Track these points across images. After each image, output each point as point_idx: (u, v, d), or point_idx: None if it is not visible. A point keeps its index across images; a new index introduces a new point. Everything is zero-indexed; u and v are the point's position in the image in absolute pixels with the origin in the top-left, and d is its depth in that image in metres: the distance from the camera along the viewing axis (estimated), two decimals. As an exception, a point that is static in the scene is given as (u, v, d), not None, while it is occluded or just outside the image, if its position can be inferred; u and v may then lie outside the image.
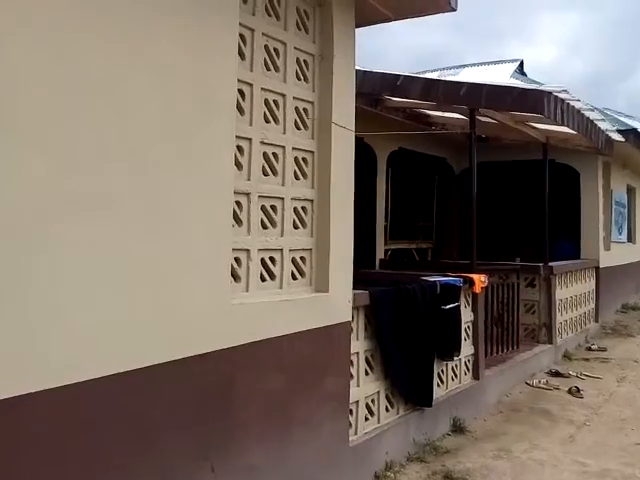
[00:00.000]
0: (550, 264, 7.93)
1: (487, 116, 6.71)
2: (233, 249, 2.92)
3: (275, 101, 3.22)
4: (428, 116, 8.34)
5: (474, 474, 4.28)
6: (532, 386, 6.61)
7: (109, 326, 2.27)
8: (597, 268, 10.24)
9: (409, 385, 4.39)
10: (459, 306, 5.13)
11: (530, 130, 7.56)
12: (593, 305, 10.10)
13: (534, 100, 5.20)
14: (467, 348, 5.50)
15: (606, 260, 10.73)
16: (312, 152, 3.47)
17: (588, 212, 10.34)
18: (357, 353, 3.92)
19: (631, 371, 7.57)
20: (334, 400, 3.57)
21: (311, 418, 3.40)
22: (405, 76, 5.67)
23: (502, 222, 11.38)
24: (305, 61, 3.43)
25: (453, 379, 5.23)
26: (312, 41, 3.48)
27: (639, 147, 10.30)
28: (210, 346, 2.68)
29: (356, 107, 7.45)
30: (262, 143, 3.13)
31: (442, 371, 5.04)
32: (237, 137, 2.95)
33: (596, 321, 10.13)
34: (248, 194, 3.05)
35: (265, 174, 3.18)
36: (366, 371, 4.03)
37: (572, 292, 8.88)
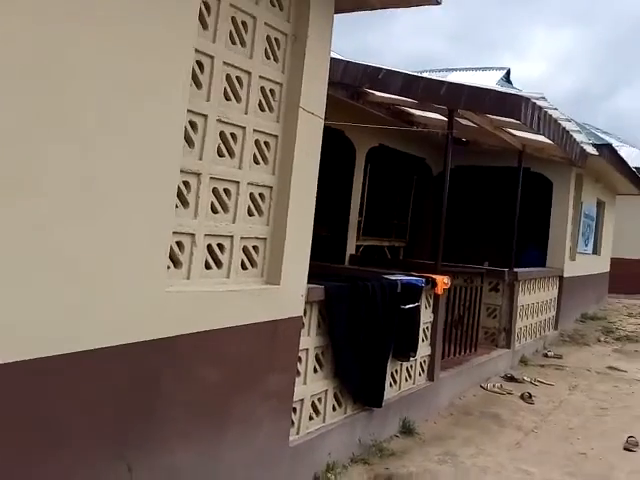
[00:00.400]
0: (515, 270, 7.74)
1: (466, 118, 6.44)
2: (175, 232, 2.61)
3: (239, 78, 2.89)
4: (410, 114, 8.05)
5: (417, 478, 4.06)
6: (486, 390, 6.43)
7: (22, 309, 1.96)
8: (561, 277, 10.12)
9: (359, 384, 4.14)
10: (419, 306, 4.88)
11: (508, 136, 7.32)
12: (554, 313, 9.98)
13: (512, 104, 4.94)
14: (424, 349, 5.26)
15: (570, 270, 10.61)
16: (276, 136, 3.16)
17: (557, 222, 10.18)
18: (306, 350, 3.64)
19: (583, 380, 7.45)
20: (276, 398, 3.30)
21: (250, 416, 3.13)
22: (387, 70, 5.37)
23: (475, 226, 11.19)
24: (276, 39, 3.10)
25: (407, 379, 5.00)
26: (286, 19, 3.15)
27: (612, 163, 10.15)
28: (136, 336, 2.37)
29: (337, 98, 7.20)
30: (219, 121, 2.81)
31: (396, 371, 4.80)
32: (190, 112, 2.64)
33: (555, 329, 10.02)
34: (199, 174, 2.74)
35: (220, 155, 2.86)
36: (315, 368, 3.76)
37: (534, 299, 8.73)
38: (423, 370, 5.29)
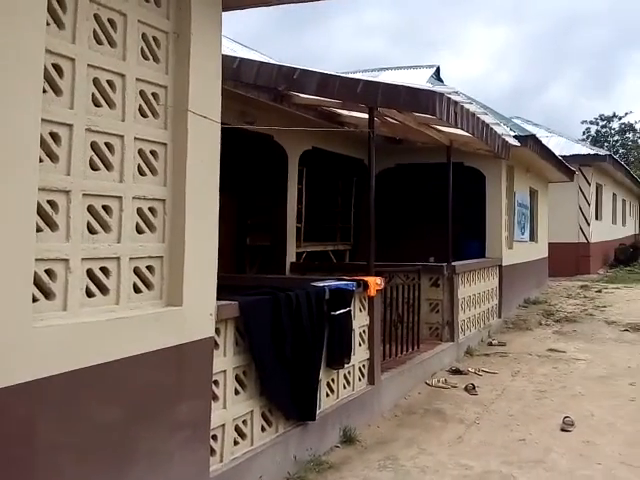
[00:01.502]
0: (453, 263, 7.54)
1: (389, 116, 6.20)
2: (40, 259, 2.20)
3: (110, 82, 2.50)
4: (339, 115, 7.76)
5: (354, 491, 3.74)
6: (431, 386, 6.17)
7: None
8: (500, 266, 10.02)
9: (290, 400, 3.78)
10: (351, 311, 4.56)
11: (434, 133, 7.12)
12: (496, 301, 9.87)
13: (426, 100, 4.70)
14: (362, 353, 4.95)
15: (509, 258, 10.55)
16: (164, 144, 2.77)
17: (492, 213, 10.10)
18: (224, 371, 3.26)
19: (525, 364, 7.31)
20: (189, 427, 2.91)
21: (158, 450, 2.73)
22: (302, 69, 5.05)
23: (419, 223, 11.01)
24: (155, 38, 2.72)
25: (345, 387, 4.67)
26: (165, 16, 2.77)
27: (538, 152, 10.15)
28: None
29: (261, 102, 6.86)
30: (90, 131, 2.41)
31: (332, 380, 4.46)
32: (49, 122, 2.23)
33: (499, 317, 9.91)
34: (67, 192, 2.33)
35: (95, 168, 2.46)
36: (236, 390, 3.38)
37: (475, 290, 8.57)
38: (363, 375, 4.97)
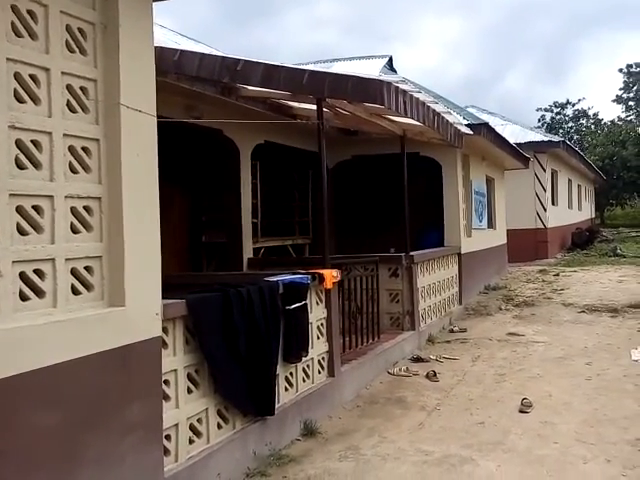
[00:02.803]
0: (411, 253, 7.63)
1: (340, 107, 6.22)
2: (-36, 264, 2.12)
3: (33, 76, 2.42)
4: (290, 107, 7.73)
5: (315, 482, 3.74)
6: (393, 375, 6.23)
7: None
8: (459, 254, 10.20)
9: (246, 396, 3.76)
10: (306, 304, 4.57)
11: (387, 123, 7.17)
12: (457, 289, 10.04)
13: (373, 90, 4.72)
14: (320, 346, 4.96)
15: (467, 246, 10.74)
16: (97, 140, 2.71)
17: (449, 202, 10.26)
18: (175, 371, 3.22)
19: (485, 349, 7.46)
20: (140, 429, 2.86)
21: (107, 454, 2.67)
22: (245, 60, 4.99)
23: (378, 214, 11.10)
24: (81, 30, 2.64)
25: (305, 380, 4.67)
26: (91, 7, 2.70)
27: (491, 140, 10.35)
28: None
29: (208, 96, 6.78)
30: (13, 128, 2.33)
31: (291, 374, 4.46)
32: (-32, 120, 2.15)
33: (460, 304, 10.09)
34: (-8, 192, 2.25)
35: (21, 167, 2.38)
36: (189, 389, 3.34)
37: (435, 278, 8.70)
38: (322, 367, 4.98)
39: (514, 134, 18.26)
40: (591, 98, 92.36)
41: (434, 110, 6.06)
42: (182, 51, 5.34)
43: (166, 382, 3.14)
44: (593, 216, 33.63)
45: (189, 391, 3.33)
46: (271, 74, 5.01)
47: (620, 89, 47.65)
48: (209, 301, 3.43)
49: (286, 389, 4.37)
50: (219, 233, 8.50)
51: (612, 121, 47.64)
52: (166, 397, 3.13)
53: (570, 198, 24.39)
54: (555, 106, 51.35)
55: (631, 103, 47.48)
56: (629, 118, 46.95)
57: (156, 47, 5.52)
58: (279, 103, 7.60)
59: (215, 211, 8.72)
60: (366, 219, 11.18)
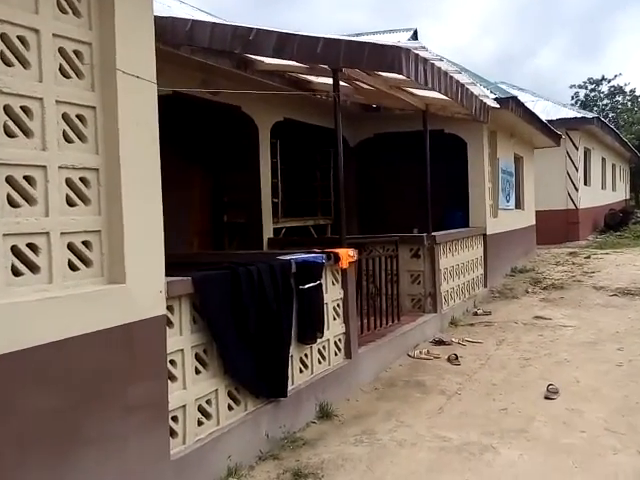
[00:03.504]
0: (433, 234, 7.41)
1: (357, 80, 6.00)
2: (-50, 236, 2.03)
3: (22, 38, 2.30)
4: (309, 82, 7.51)
5: (328, 466, 3.63)
6: (413, 357, 6.08)
7: None
8: (485, 235, 9.92)
9: (257, 377, 3.66)
10: (321, 284, 4.43)
11: (408, 97, 6.93)
12: (482, 271, 9.79)
13: (391, 57, 4.49)
14: (337, 327, 4.83)
15: (493, 227, 10.45)
16: (93, 108, 2.59)
17: (475, 181, 9.97)
18: (181, 350, 3.12)
19: (510, 333, 7.25)
20: (144, 410, 2.78)
21: (109, 436, 2.60)
22: (258, 29, 4.81)
23: (400, 194, 10.85)
24: (75, -10, 2.52)
25: (320, 361, 4.56)
26: (86, -34, 2.56)
27: (520, 115, 9.98)
28: None
29: (223, 70, 6.61)
30: (1, 93, 2.23)
31: (306, 355, 4.35)
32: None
33: (485, 286, 9.84)
34: (-21, 161, 2.16)
35: (10, 135, 2.28)
36: (197, 369, 3.25)
37: (458, 260, 8.47)
38: (339, 349, 4.86)
39: (545, 111, 17.69)
40: (628, 74, 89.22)
41: (458, 81, 5.79)
42: (194, 21, 5.18)
43: (172, 362, 3.05)
44: (628, 197, 32.63)
45: (197, 371, 3.24)
46: (284, 43, 4.82)
47: (658, 64, 45.65)
48: (216, 279, 3.32)
49: (301, 370, 4.26)
50: (240, 213, 8.42)
51: (650, 98, 45.94)
52: (172, 377, 3.05)
53: (604, 178, 23.65)
54: (589, 82, 49.62)
55: (670, 79, 45.52)
56: (668, 95, 45.13)
57: (167, 18, 5.41)
58: (297, 77, 7.41)
59: (236, 191, 8.63)
60: (390, 199, 10.95)
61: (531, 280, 10.92)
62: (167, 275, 2.92)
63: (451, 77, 5.71)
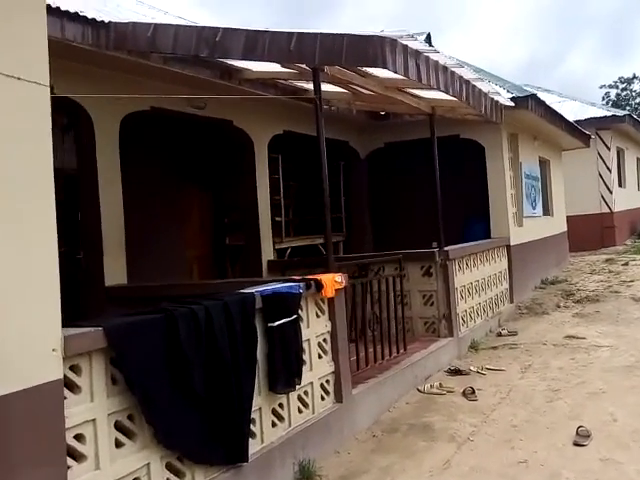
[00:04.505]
0: (446, 248, 6.62)
1: (350, 82, 5.32)
2: None
3: None
4: (306, 90, 6.84)
5: None
6: (423, 392, 5.28)
7: None
8: (508, 246, 9.04)
9: (208, 441, 2.96)
10: (297, 319, 3.72)
11: (411, 99, 6.20)
12: (507, 285, 8.90)
13: (373, 49, 3.79)
14: (323, 367, 4.10)
15: (518, 237, 9.55)
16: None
17: (495, 188, 9.13)
18: (93, 421, 2.46)
19: (538, 357, 6.37)
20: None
21: None
22: (225, 29, 4.19)
23: (415, 206, 10.05)
24: None
25: (301, 410, 3.83)
26: None
27: (542, 115, 9.10)
28: None
29: (208, 81, 6.03)
30: None
31: (280, 405, 3.63)
32: None
33: (511, 302, 8.94)
34: None
35: None
36: (117, 442, 2.57)
37: (478, 275, 7.62)
38: (327, 392, 4.12)
39: (573, 111, 16.61)
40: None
41: (461, 76, 5.03)
42: (156, 25, 4.60)
43: (79, 437, 2.39)
44: (667, 197, 30.79)
45: (118, 444, 2.57)
46: (254, 43, 4.18)
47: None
48: (141, 327, 2.65)
49: (274, 425, 3.55)
50: (240, 235, 7.82)
51: (685, 94, 43.80)
52: (79, 457, 2.38)
53: (639, 178, 22.23)
54: (621, 82, 47.75)
55: None
56: None
57: (127, 23, 4.82)
58: (293, 86, 6.77)
59: (235, 211, 8.05)
60: (406, 212, 10.14)
61: (563, 293, 9.93)
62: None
63: (452, 72, 4.96)
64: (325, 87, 6.44)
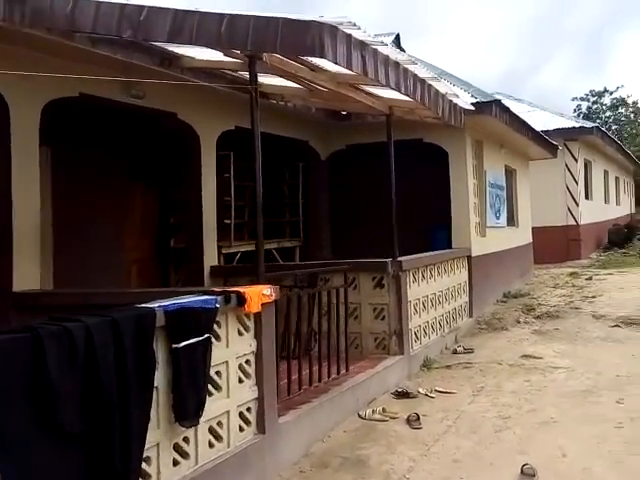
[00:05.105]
0: (400, 259, 6.25)
1: (296, 75, 4.91)
2: None
3: None
4: (260, 84, 6.35)
5: None
6: (364, 419, 4.88)
7: None
8: (469, 257, 8.75)
9: (83, 489, 2.49)
10: (210, 338, 3.27)
11: (366, 98, 5.81)
12: (466, 299, 8.61)
13: (311, 35, 3.38)
14: (244, 392, 3.65)
15: (481, 247, 9.28)
16: None
17: (458, 196, 8.83)
18: None
19: (492, 378, 6.06)
20: None
21: None
22: (150, 7, 3.72)
23: (379, 211, 9.66)
24: None
25: (213, 444, 3.37)
26: None
27: (507, 122, 8.85)
28: None
29: (147, 69, 5.55)
30: None
31: (185, 439, 3.17)
32: None
33: (470, 316, 8.65)
34: None
35: None
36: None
37: (435, 288, 7.29)
38: (247, 422, 3.67)
39: (542, 121, 16.57)
40: (630, 86, 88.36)
41: (415, 74, 4.66)
42: (76, 0, 4.09)
43: None
44: (633, 211, 31.34)
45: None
46: (181, 24, 3.71)
47: (663, 75, 44.67)
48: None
49: (175, 463, 3.09)
50: (184, 237, 7.33)
51: (654, 109, 44.85)
52: None
53: (607, 191, 22.44)
54: (592, 95, 48.67)
55: (675, 90, 44.46)
56: (672, 106, 44.03)
57: (43, -3, 4.33)
58: (243, 78, 6.32)
59: (180, 211, 7.56)
60: (367, 217, 9.75)
61: (524, 307, 9.71)
62: None
63: (405, 69, 4.58)
64: (277, 81, 6.04)
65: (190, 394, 3.10)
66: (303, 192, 9.50)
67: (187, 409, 3.09)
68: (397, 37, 12.18)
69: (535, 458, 3.93)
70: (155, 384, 2.94)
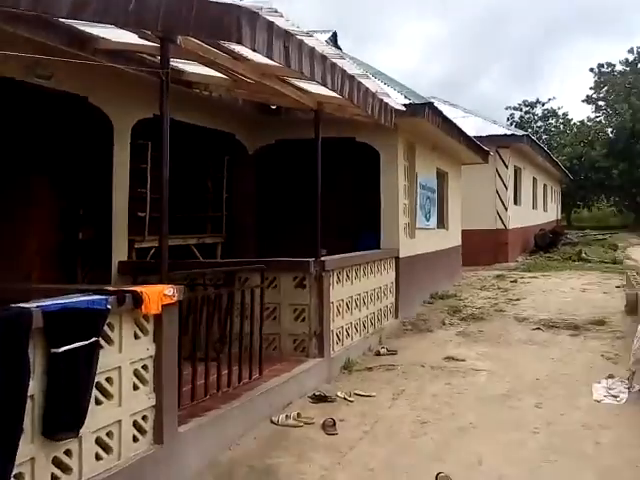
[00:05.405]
0: (323, 259, 6.11)
1: (231, 71, 4.65)
2: None
3: None
4: (181, 72, 6.04)
5: None
6: (277, 424, 4.69)
7: None
8: (397, 258, 8.75)
9: None
10: (98, 342, 2.98)
11: (293, 91, 5.62)
12: (392, 300, 8.59)
13: (228, 19, 3.16)
14: (139, 400, 3.38)
15: (409, 249, 9.31)
16: None
17: (388, 196, 8.79)
18: None
19: (413, 380, 6.02)
20: None
21: None
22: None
23: (308, 210, 9.52)
24: None
25: (101, 457, 3.08)
26: None
27: (439, 125, 8.91)
28: None
29: (59, 49, 5.13)
30: None
31: (67, 453, 2.87)
32: None
33: (396, 317, 8.64)
34: None
35: None
36: None
37: (359, 289, 7.20)
38: (142, 432, 3.40)
39: (476, 127, 16.97)
40: (562, 98, 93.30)
41: (344, 70, 4.51)
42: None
43: None
44: (559, 217, 32.88)
45: None
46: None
47: (590, 88, 47.19)
48: None
49: (54, 478, 2.79)
50: (83, 228, 6.89)
51: (581, 121, 47.30)
52: None
53: (535, 197, 23.35)
54: (524, 105, 50.80)
55: (601, 103, 47.05)
56: (598, 119, 46.59)
57: None
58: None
59: (89, 201, 7.10)
60: (294, 215, 9.58)
61: (450, 309, 9.82)
62: None
63: (333, 64, 4.42)
64: (201, 70, 5.75)
65: (68, 404, 2.80)
66: (228, 187, 9.19)
67: (63, 420, 2.79)
68: (334, 35, 12.08)
69: (451, 465, 3.88)
70: (30, 392, 2.64)
